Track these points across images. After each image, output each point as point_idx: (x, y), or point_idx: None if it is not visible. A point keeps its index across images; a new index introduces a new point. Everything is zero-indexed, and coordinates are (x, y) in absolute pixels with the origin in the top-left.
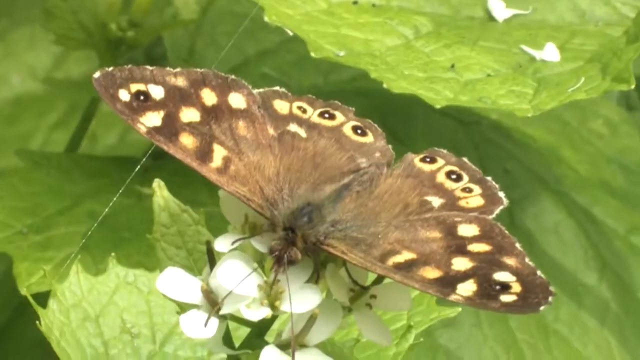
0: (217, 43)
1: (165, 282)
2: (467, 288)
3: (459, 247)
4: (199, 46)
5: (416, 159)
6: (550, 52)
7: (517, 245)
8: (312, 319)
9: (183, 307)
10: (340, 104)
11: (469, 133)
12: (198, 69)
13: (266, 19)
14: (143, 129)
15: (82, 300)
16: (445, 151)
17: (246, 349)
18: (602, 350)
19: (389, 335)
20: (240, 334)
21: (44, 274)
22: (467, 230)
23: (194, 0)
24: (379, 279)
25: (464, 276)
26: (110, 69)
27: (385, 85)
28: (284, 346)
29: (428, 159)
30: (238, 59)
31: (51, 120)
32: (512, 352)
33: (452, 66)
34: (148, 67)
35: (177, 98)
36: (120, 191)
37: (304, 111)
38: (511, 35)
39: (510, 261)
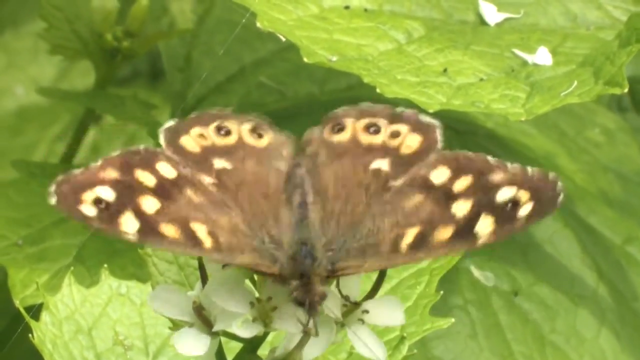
0: (213, 52)
1: (157, 300)
2: (486, 224)
3: (447, 194)
4: (196, 55)
5: (325, 134)
6: (542, 56)
7: (489, 158)
8: (306, 336)
9: (175, 323)
10: (219, 110)
11: (464, 142)
12: (114, 154)
13: (258, 24)
14: (133, 238)
15: (74, 313)
16: (343, 108)
17: None
18: None
19: (383, 350)
20: (233, 346)
21: (37, 286)
22: (439, 175)
23: (191, 9)
24: (371, 294)
25: (473, 216)
26: (52, 189)
27: (378, 90)
28: None
29: (337, 127)
30: (234, 67)
31: (54, 132)
32: None
33: (445, 70)
34: (75, 170)
35: (126, 191)
36: None
37: (205, 138)
38: (503, 39)
39: (497, 176)
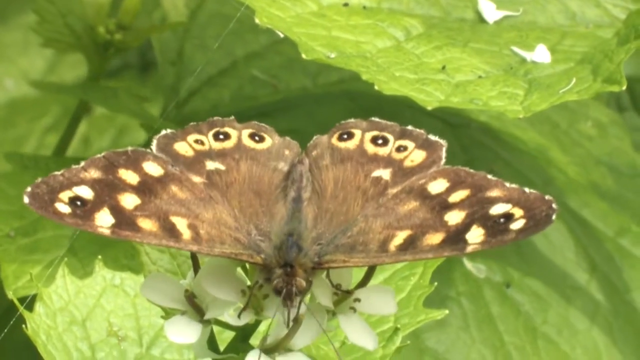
0: (206, 45)
1: (149, 288)
2: (476, 234)
3: (442, 204)
4: (188, 49)
5: (333, 140)
6: (541, 54)
7: (489, 176)
8: (297, 323)
9: (168, 312)
10: (220, 118)
11: (457, 135)
12: (98, 155)
13: (257, 21)
14: (107, 232)
15: (68, 304)
16: (352, 120)
17: (231, 352)
18: (591, 352)
19: (374, 338)
20: (226, 336)
21: (30, 277)
22: (437, 186)
23: (183, 3)
24: (363, 282)
25: (465, 226)
26: (29, 189)
27: (376, 87)
28: (268, 350)
29: (345, 135)
30: (226, 61)
31: (45, 124)
32: (500, 354)
33: (443, 68)
34: (56, 172)
35: (105, 190)
36: None
37: (202, 143)
38: (502, 36)
39: (494, 193)
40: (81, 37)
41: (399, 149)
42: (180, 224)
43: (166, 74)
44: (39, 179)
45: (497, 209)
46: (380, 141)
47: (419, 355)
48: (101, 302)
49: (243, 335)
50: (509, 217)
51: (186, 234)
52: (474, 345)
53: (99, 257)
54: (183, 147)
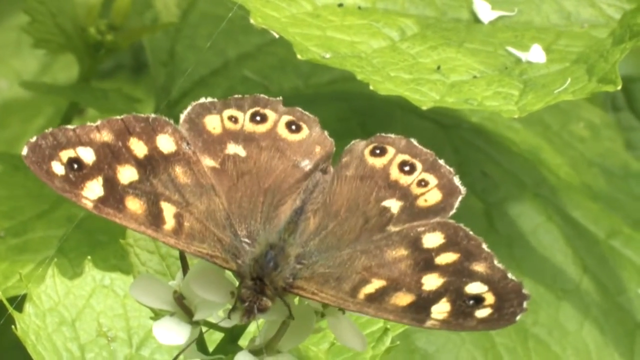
0: (197, 46)
1: (138, 289)
2: (441, 310)
3: (427, 262)
4: (179, 49)
5: (366, 152)
6: (536, 54)
7: (484, 246)
8: (285, 324)
9: (157, 313)
10: (267, 97)
11: (448, 136)
12: (118, 117)
13: (252, 21)
14: (90, 205)
15: (58, 304)
16: (393, 136)
17: (220, 354)
18: (581, 353)
19: (363, 340)
20: (215, 337)
21: (20, 277)
22: (432, 240)
23: (174, 3)
24: None
25: (436, 295)
26: (34, 139)
27: (371, 87)
28: (257, 351)
29: (378, 150)
30: (218, 61)
31: (38, 125)
32: (490, 355)
33: (438, 68)
34: (69, 127)
35: (108, 157)
36: None
37: (235, 120)
38: (497, 37)
39: (479, 267)
40: (72, 38)
41: (420, 183)
42: (168, 211)
43: (158, 75)
44: (49, 129)
45: (472, 288)
46: (407, 168)
47: (409, 356)
48: (91, 303)
49: (232, 337)
50: (479, 300)
51: (169, 223)
52: (464, 346)
53: (89, 257)
54: (213, 123)
